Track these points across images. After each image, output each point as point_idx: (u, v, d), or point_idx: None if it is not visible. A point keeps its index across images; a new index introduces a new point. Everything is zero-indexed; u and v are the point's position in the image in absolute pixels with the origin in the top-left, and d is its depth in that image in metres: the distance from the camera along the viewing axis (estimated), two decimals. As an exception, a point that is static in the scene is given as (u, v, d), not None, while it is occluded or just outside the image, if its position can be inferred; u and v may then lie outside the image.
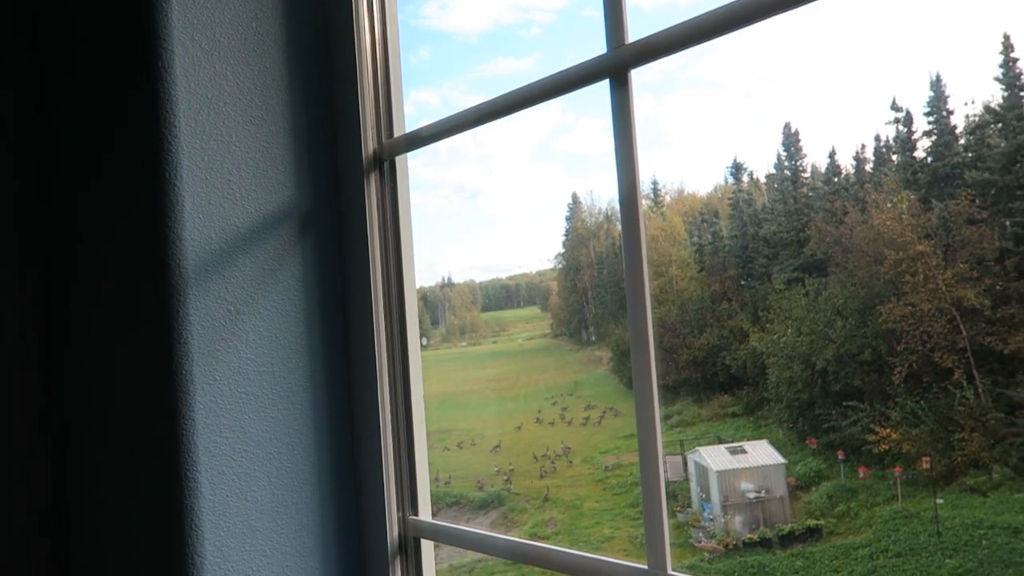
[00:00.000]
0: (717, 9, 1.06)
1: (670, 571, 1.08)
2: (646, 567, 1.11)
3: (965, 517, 18.87)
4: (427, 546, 1.53)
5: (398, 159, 1.56)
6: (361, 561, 1.53)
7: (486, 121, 1.43)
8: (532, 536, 22.94)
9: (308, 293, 1.52)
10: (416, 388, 1.54)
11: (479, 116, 1.42)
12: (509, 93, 1.36)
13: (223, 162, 1.44)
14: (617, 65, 1.17)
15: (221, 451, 1.39)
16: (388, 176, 1.56)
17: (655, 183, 45.66)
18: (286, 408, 1.48)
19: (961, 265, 24.73)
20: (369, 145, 1.54)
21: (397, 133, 1.56)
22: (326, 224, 1.56)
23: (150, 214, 1.39)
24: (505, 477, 29.31)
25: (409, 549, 1.51)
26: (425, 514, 1.52)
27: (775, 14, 1.02)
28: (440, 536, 1.48)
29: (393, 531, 1.50)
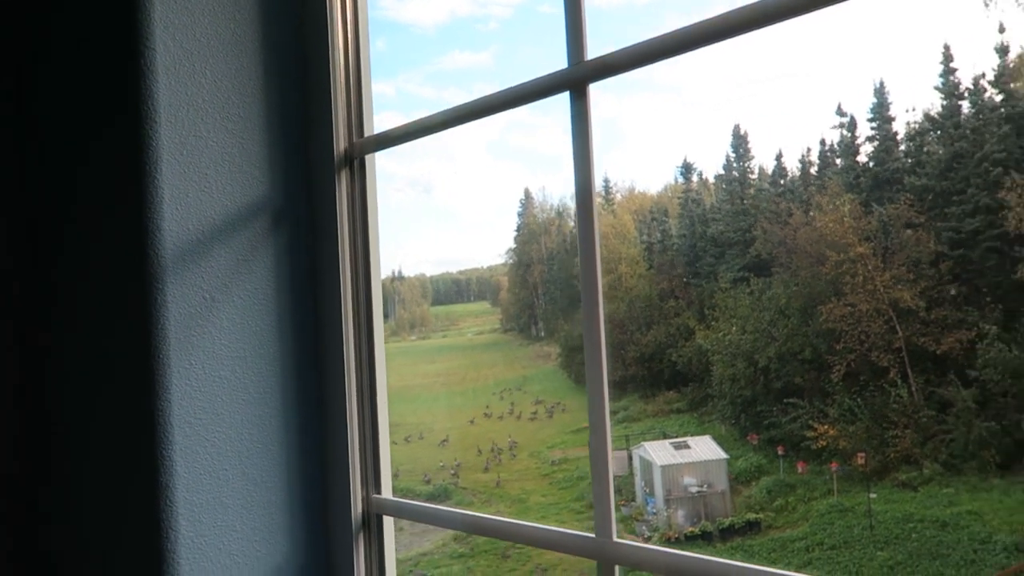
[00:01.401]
0: (673, 31, 1.17)
1: (615, 538, 1.20)
2: (594, 535, 1.22)
3: (896, 511, 19.62)
4: (388, 522, 1.63)
5: (367, 158, 1.65)
6: (326, 536, 1.63)
7: (452, 126, 1.53)
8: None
9: (280, 283, 1.61)
10: (380, 374, 1.63)
11: (445, 121, 1.52)
12: (474, 101, 1.46)
13: (201, 157, 1.51)
14: (576, 79, 1.28)
15: (195, 431, 1.47)
16: (358, 174, 1.65)
17: (607, 181, 46.13)
18: (257, 391, 1.56)
19: (899, 268, 25.59)
20: (340, 144, 1.63)
21: (367, 133, 1.65)
22: (298, 218, 1.64)
23: (131, 205, 1.46)
24: (452, 471, 29.41)
25: (372, 525, 1.61)
26: (387, 492, 1.62)
27: (728, 37, 1.14)
28: (402, 512, 1.58)
29: (357, 508, 1.59)
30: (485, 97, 1.44)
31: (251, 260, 1.57)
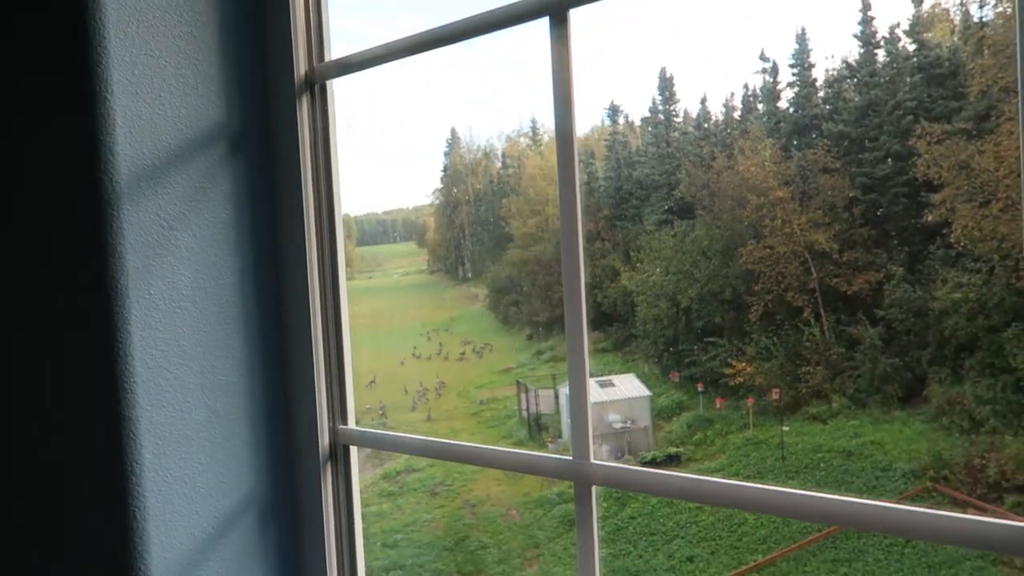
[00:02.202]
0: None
1: (592, 460, 1.23)
2: (571, 457, 1.25)
3: (807, 443, 20.71)
4: (354, 453, 1.63)
5: (329, 84, 1.60)
6: (293, 468, 1.62)
7: (419, 51, 1.49)
8: (408, 468, 23.32)
9: (240, 211, 1.56)
10: (344, 305, 1.61)
11: (412, 46, 1.48)
12: (446, 25, 1.42)
13: (154, 77, 1.44)
14: (556, 3, 1.26)
15: (157, 363, 1.43)
16: (319, 100, 1.59)
17: (534, 122, 45.82)
18: (220, 322, 1.52)
19: (815, 211, 26.43)
20: (301, 68, 1.57)
21: (328, 58, 1.59)
22: (257, 144, 1.59)
23: (82, 127, 1.38)
24: (380, 411, 29.47)
25: (339, 456, 1.61)
26: (352, 423, 1.62)
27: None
28: (369, 442, 1.58)
29: (324, 439, 1.59)
30: (458, 22, 1.40)
31: (209, 187, 1.52)
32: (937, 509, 0.94)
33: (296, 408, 1.60)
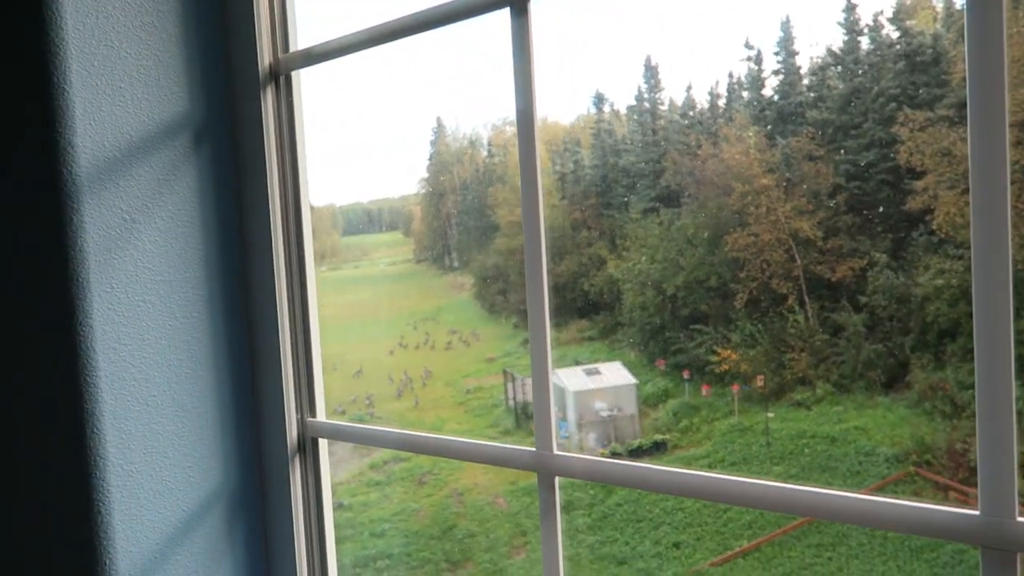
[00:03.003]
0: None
1: (555, 451, 1.24)
2: (534, 449, 1.26)
3: (791, 429, 20.87)
4: (323, 445, 1.63)
5: (294, 75, 1.59)
6: (261, 461, 1.62)
7: (381, 43, 1.48)
8: (395, 458, 23.33)
9: (204, 204, 1.55)
10: (312, 297, 1.61)
11: (375, 37, 1.47)
12: (407, 16, 1.41)
13: (114, 68, 1.42)
14: (516, -5, 1.25)
15: (120, 357, 1.42)
16: (284, 91, 1.58)
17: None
18: (184, 316, 1.51)
19: (799, 199, 26.55)
20: (265, 58, 1.56)
21: (292, 48, 1.58)
22: (221, 136, 1.57)
23: (39, 119, 1.36)
24: (367, 401, 29.43)
25: (308, 449, 1.60)
26: (321, 415, 1.62)
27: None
28: (338, 435, 1.58)
29: (292, 432, 1.59)
30: (417, 13, 1.39)
31: (172, 180, 1.51)
32: (902, 499, 0.96)
33: (264, 401, 1.60)
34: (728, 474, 1.07)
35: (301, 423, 1.59)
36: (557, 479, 1.25)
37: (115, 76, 1.42)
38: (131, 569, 1.41)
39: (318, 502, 1.60)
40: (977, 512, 0.90)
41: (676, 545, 17.53)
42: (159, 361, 1.47)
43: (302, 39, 1.62)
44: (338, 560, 1.66)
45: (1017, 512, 0.88)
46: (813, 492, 1.01)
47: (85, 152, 1.38)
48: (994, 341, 0.86)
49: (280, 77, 1.57)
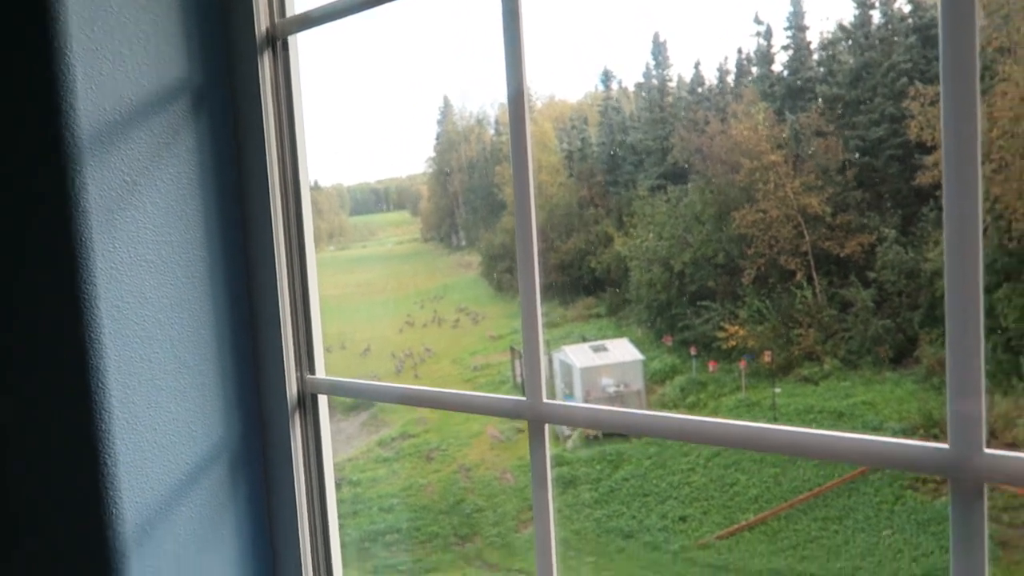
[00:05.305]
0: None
1: (544, 399, 1.28)
2: (524, 398, 1.30)
3: (799, 404, 20.93)
4: (323, 402, 1.67)
5: (291, 39, 1.61)
6: (261, 417, 1.66)
7: (377, 4, 1.50)
8: (403, 434, 23.53)
9: (204, 167, 1.58)
10: (310, 254, 1.64)
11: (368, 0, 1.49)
12: (400, -23, 1.43)
13: (113, 33, 1.45)
14: (504, -45, 1.27)
15: (124, 315, 1.47)
16: (281, 56, 1.61)
17: (527, 89, 45.43)
18: (185, 275, 1.56)
19: (808, 175, 26.41)
20: (262, 23, 1.58)
21: (290, 13, 1.61)
22: (219, 100, 1.60)
23: (42, 84, 1.39)
24: (374, 379, 29.65)
25: (307, 405, 1.65)
26: (321, 372, 1.66)
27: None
28: (337, 391, 1.62)
29: (292, 389, 1.63)
30: (411, -27, 1.41)
31: (172, 143, 1.54)
32: (877, 436, 0.99)
33: (264, 359, 1.64)
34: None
35: (301, 380, 1.64)
36: (547, 427, 1.29)
37: (115, 41, 1.45)
38: (137, 518, 1.46)
39: (318, 457, 1.65)
40: (947, 446, 0.94)
41: (683, 519, 17.67)
42: (161, 319, 1.52)
43: (300, 3, 1.64)
44: (339, 511, 1.72)
45: (984, 444, 0.91)
46: (791, 431, 1.05)
47: (87, 115, 1.42)
48: (962, 270, 0.89)
49: (277, 41, 1.60)
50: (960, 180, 0.90)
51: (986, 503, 0.92)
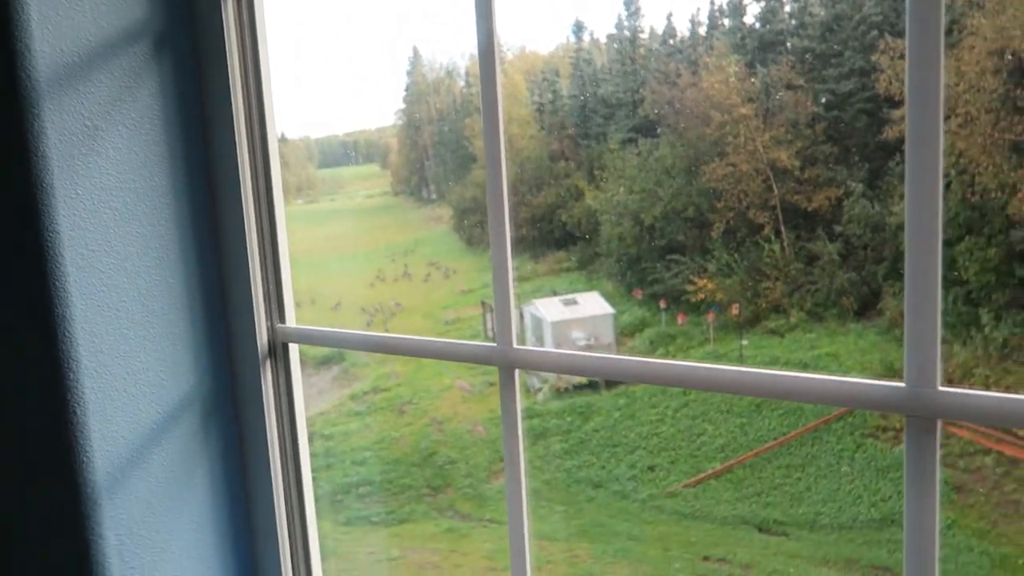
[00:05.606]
0: None
1: (515, 345, 1.29)
2: (495, 344, 1.31)
3: (765, 355, 21.32)
4: (294, 350, 1.67)
5: (254, -20, 1.57)
6: (232, 366, 1.66)
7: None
8: (375, 388, 23.59)
9: (167, 112, 1.55)
10: (278, 201, 1.63)
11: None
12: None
13: (69, -29, 1.41)
14: None
15: (89, 264, 1.45)
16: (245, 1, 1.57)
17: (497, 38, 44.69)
18: (151, 223, 1.53)
19: (778, 128, 26.50)
20: (223, -37, 1.54)
21: (251, -48, 1.57)
22: (183, 44, 1.57)
23: (-5, 22, 1.35)
24: (346, 333, 29.47)
25: (278, 353, 1.65)
26: (291, 321, 1.66)
27: None
28: (308, 339, 1.63)
29: (263, 337, 1.63)
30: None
31: (134, 87, 1.51)
32: (835, 375, 1.02)
33: (233, 307, 1.63)
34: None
35: (271, 329, 1.63)
36: (517, 374, 1.31)
37: (70, -21, 1.41)
38: (108, 467, 1.46)
39: (290, 405, 1.66)
40: (903, 384, 0.97)
41: (651, 468, 18.05)
42: (127, 268, 1.50)
43: (261, -56, 1.60)
44: (311, 464, 1.73)
45: (939, 383, 0.94)
46: (755, 373, 1.07)
47: (43, 56, 1.37)
48: (922, 214, 0.91)
49: (240, -18, 1.56)
50: (922, 132, 0.92)
51: (939, 438, 0.95)
